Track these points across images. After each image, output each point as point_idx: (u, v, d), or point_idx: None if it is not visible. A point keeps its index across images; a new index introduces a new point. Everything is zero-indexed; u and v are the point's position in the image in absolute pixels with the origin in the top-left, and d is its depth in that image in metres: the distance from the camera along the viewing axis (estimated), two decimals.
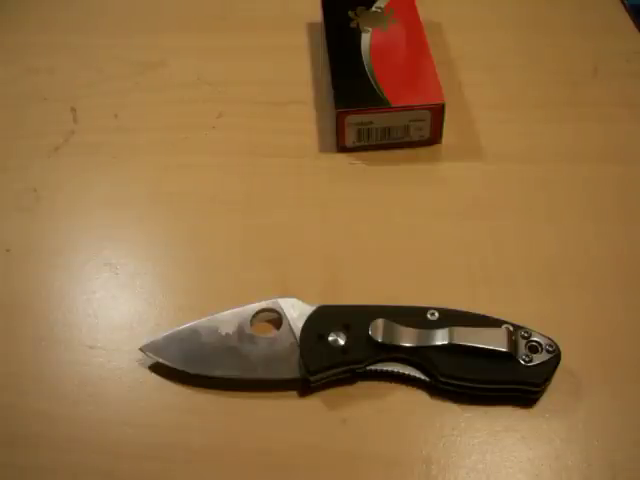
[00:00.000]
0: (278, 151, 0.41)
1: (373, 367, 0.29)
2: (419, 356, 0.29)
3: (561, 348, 0.29)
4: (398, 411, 0.29)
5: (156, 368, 0.31)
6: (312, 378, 0.29)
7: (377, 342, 0.29)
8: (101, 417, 0.30)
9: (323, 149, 0.41)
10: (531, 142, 0.41)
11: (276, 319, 0.31)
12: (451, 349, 0.28)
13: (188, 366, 0.30)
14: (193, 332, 0.31)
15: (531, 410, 0.29)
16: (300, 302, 0.31)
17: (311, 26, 0.50)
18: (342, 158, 0.41)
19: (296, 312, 0.31)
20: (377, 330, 0.29)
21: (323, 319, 0.30)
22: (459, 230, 0.36)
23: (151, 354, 0.30)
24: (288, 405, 0.30)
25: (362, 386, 0.30)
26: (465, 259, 0.35)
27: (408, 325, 0.29)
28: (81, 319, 0.33)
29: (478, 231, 0.36)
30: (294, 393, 0.30)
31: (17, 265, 0.36)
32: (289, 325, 0.30)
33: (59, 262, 0.36)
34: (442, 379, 0.29)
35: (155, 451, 0.29)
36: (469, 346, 0.28)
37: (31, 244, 0.37)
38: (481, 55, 0.47)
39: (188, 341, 0.31)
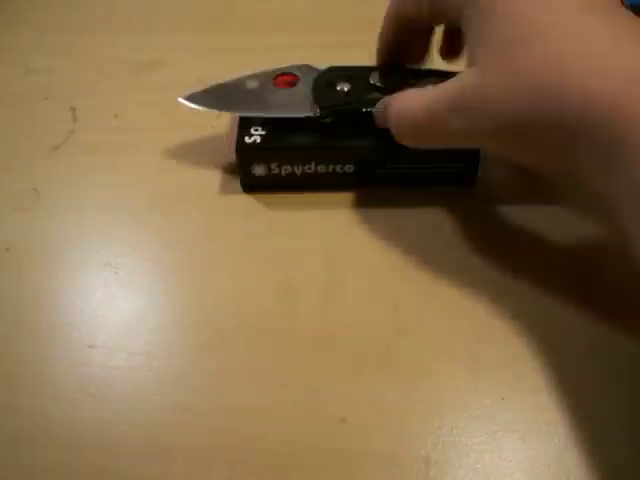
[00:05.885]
0: None
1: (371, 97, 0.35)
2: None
3: None
4: (397, 410, 0.29)
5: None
6: (322, 113, 0.35)
7: (377, 86, 0.35)
8: (101, 417, 0.30)
9: None
10: None
11: (293, 79, 0.38)
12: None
13: (220, 108, 0.38)
14: (223, 86, 0.38)
15: (531, 410, 0.29)
16: (314, 66, 0.38)
17: (311, 26, 0.50)
18: None
19: (311, 74, 0.37)
20: (376, 78, 0.35)
21: (332, 74, 0.37)
22: None
23: (190, 103, 0.38)
24: (287, 402, 0.30)
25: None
26: None
27: (404, 73, 0.36)
28: (81, 319, 0.33)
29: None
30: (294, 394, 0.30)
31: (16, 265, 0.36)
32: (304, 81, 0.37)
33: (59, 262, 0.36)
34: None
35: (155, 451, 0.29)
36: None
37: (31, 244, 0.37)
38: None
39: (219, 92, 0.38)
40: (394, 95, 0.32)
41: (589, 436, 0.28)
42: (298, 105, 0.36)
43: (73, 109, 0.45)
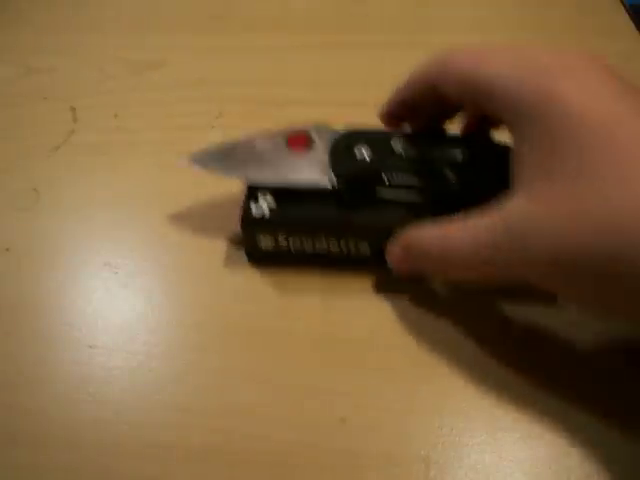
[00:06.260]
0: None
1: (397, 179, 0.31)
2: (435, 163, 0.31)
3: None
4: (397, 411, 0.29)
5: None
6: (339, 183, 0.32)
7: (399, 154, 0.31)
8: (101, 417, 0.30)
9: None
10: None
11: (308, 141, 0.34)
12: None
13: (227, 172, 0.33)
14: (232, 147, 0.34)
15: (531, 410, 0.29)
16: (330, 127, 0.34)
17: (311, 26, 0.50)
18: None
19: (327, 134, 0.34)
20: (399, 145, 0.32)
21: (351, 138, 0.33)
22: None
23: (195, 165, 0.34)
24: (287, 402, 0.30)
25: None
26: None
27: (426, 140, 0.32)
28: (81, 319, 0.33)
29: None
30: (296, 396, 0.30)
31: (16, 264, 0.36)
32: (320, 144, 0.33)
33: (59, 262, 0.36)
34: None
35: (155, 451, 0.29)
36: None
37: (31, 244, 0.37)
38: None
39: (227, 154, 0.34)
40: (418, 229, 0.29)
41: (589, 436, 0.28)
42: (313, 173, 0.32)
43: (73, 109, 0.45)
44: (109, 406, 0.30)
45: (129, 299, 0.34)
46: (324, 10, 0.52)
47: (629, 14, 0.49)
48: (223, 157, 0.34)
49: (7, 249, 0.36)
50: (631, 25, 0.49)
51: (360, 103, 0.44)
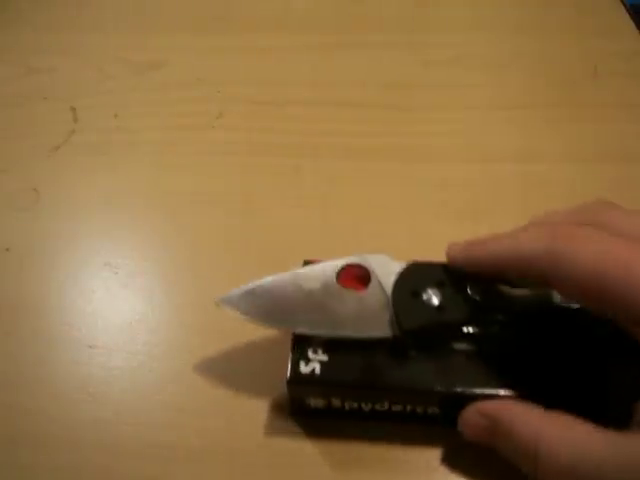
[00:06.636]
0: (277, 151, 0.41)
1: (471, 329, 0.27)
2: (519, 317, 0.26)
3: None
4: None
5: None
6: (406, 335, 0.27)
7: (476, 301, 0.26)
8: (101, 417, 0.30)
9: None
10: (530, 142, 0.41)
11: (364, 276, 0.29)
12: (555, 311, 0.26)
13: (269, 320, 0.28)
14: (273, 286, 0.28)
15: None
16: (389, 259, 0.29)
17: (311, 26, 0.50)
18: None
19: (385, 268, 0.28)
20: (477, 288, 0.27)
21: (416, 276, 0.28)
22: (458, 231, 0.36)
23: (229, 307, 0.28)
24: (287, 404, 0.30)
25: None
26: None
27: (507, 284, 0.27)
28: (81, 319, 0.33)
29: (478, 232, 0.36)
30: None
31: (16, 264, 0.36)
32: (379, 282, 0.28)
33: (59, 262, 0.36)
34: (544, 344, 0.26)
35: (155, 451, 0.29)
36: (576, 307, 0.26)
37: (31, 244, 0.37)
38: (481, 55, 0.47)
39: (268, 295, 0.28)
40: (521, 408, 0.24)
41: None
42: (373, 320, 0.27)
43: (73, 109, 0.45)
44: (109, 406, 0.30)
45: (129, 299, 0.34)
46: (324, 10, 0.52)
47: (629, 14, 0.49)
48: (263, 299, 0.28)
49: (7, 249, 0.36)
50: (631, 25, 0.49)
51: (360, 103, 0.44)
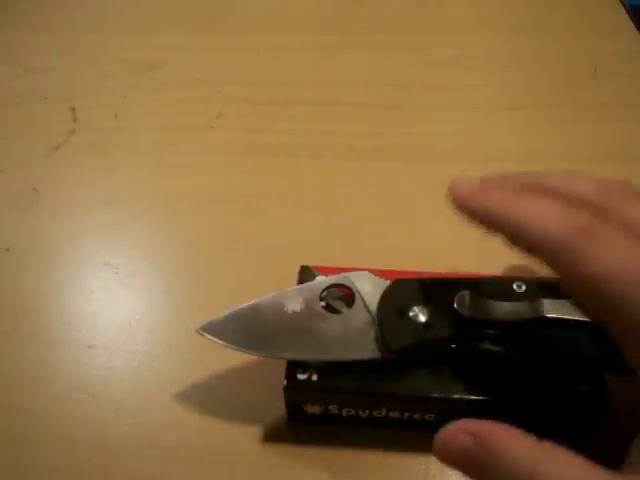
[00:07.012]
0: (277, 151, 0.41)
1: (459, 345, 0.26)
2: (508, 331, 0.26)
3: None
4: None
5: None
6: (395, 356, 0.26)
7: (463, 317, 0.26)
8: (101, 417, 0.30)
9: None
10: (531, 142, 0.41)
11: (347, 295, 0.28)
12: (543, 323, 0.25)
13: (254, 348, 0.27)
14: (255, 310, 0.27)
15: None
16: (372, 275, 0.28)
17: (312, 26, 0.50)
18: None
19: (369, 286, 0.28)
20: (463, 303, 0.26)
21: (401, 293, 0.27)
22: (459, 231, 0.36)
23: (210, 336, 0.27)
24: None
25: None
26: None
27: (494, 298, 0.26)
28: (81, 319, 0.33)
29: (478, 232, 0.36)
30: None
31: (16, 264, 0.36)
32: (363, 300, 0.27)
33: (59, 262, 0.36)
34: (534, 356, 0.26)
35: (155, 451, 0.29)
36: (565, 319, 0.25)
37: (31, 244, 0.37)
38: (481, 55, 0.47)
39: (251, 320, 0.27)
40: (514, 434, 0.21)
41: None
42: (359, 341, 0.27)
43: (73, 109, 0.45)
44: (109, 406, 0.30)
45: (129, 299, 0.34)
46: (325, 10, 0.52)
47: (629, 14, 0.49)
48: (245, 326, 0.27)
49: (7, 249, 0.36)
50: (631, 25, 0.49)
51: (361, 103, 0.44)
